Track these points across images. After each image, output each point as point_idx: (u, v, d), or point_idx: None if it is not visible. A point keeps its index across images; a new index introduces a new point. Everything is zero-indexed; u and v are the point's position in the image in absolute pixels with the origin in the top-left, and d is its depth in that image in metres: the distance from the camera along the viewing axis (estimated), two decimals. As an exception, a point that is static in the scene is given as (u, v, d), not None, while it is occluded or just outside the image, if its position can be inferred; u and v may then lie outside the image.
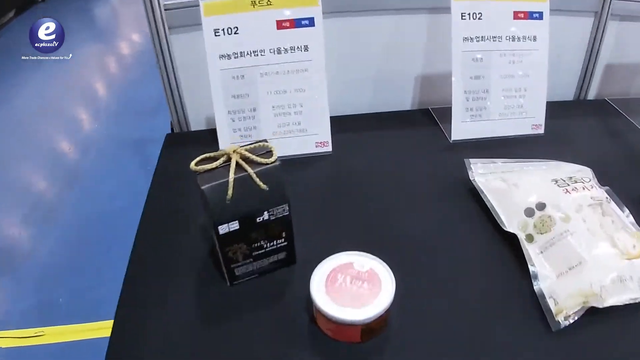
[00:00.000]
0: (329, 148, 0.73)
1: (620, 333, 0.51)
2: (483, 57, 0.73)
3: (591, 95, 0.94)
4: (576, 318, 0.50)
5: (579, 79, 0.91)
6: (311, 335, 0.49)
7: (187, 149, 0.76)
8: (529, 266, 0.55)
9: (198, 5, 0.65)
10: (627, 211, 0.63)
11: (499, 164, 0.69)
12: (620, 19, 0.87)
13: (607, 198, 0.63)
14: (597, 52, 0.88)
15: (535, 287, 0.53)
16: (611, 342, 0.50)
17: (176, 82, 0.78)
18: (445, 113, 0.78)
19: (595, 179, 0.68)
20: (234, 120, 0.70)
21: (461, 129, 0.76)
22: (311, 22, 0.67)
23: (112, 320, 0.51)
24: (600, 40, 0.87)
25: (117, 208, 1.55)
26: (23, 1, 2.94)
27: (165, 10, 0.72)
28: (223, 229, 0.50)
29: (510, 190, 0.63)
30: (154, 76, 0.79)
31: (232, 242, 0.51)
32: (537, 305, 0.52)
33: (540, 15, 0.74)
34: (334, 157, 0.73)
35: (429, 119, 0.84)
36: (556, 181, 0.64)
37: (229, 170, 0.48)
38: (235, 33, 0.66)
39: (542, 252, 0.57)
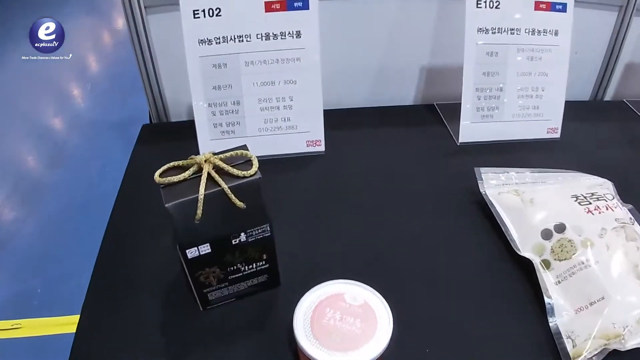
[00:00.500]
0: (322, 147, 0.65)
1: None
2: (499, 51, 0.65)
3: (608, 95, 0.87)
4: None
5: (597, 78, 0.84)
6: None
7: (165, 144, 0.69)
8: (545, 298, 0.48)
9: (176, -19, 0.57)
10: None
11: (513, 174, 0.62)
12: (646, 15, 0.79)
13: (631, 219, 0.56)
14: (619, 50, 0.80)
15: (550, 324, 0.47)
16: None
17: (154, 67, 0.69)
18: (453, 110, 0.70)
19: (617, 195, 0.61)
20: (214, 114, 0.61)
21: (470, 130, 0.68)
22: (305, 4, 0.59)
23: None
24: (624, 37, 0.79)
25: (99, 194, 1.47)
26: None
27: (140, -15, 0.63)
28: (192, 252, 0.42)
29: (526, 207, 0.56)
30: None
31: (203, 267, 0.44)
32: (552, 344, 0.45)
33: (563, 7, 0.66)
34: (327, 158, 0.66)
35: (434, 115, 0.76)
36: (576, 197, 0.57)
37: (199, 184, 0.40)
38: (217, 15, 0.58)
39: (559, 282, 0.50)
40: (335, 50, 0.72)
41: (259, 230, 0.44)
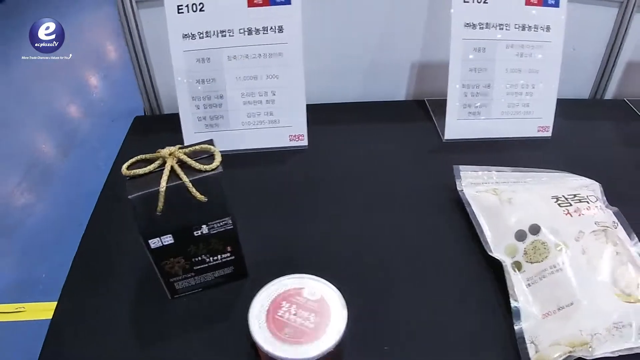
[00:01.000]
0: (305, 142, 0.66)
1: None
2: (487, 47, 0.64)
3: (609, 94, 0.84)
4: None
5: (597, 76, 0.81)
6: None
7: (155, 136, 0.70)
8: (511, 301, 0.47)
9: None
10: (635, 239, 0.54)
11: (494, 172, 0.61)
12: (649, 10, 0.76)
13: (614, 222, 0.55)
14: (619, 48, 0.78)
15: (515, 327, 0.46)
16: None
17: (145, 61, 0.71)
18: (442, 106, 0.69)
19: (604, 197, 0.60)
20: (198, 108, 0.62)
21: (456, 127, 0.67)
22: (288, -1, 0.59)
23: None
24: (624, 35, 0.76)
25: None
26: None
27: (131, -20, 0.64)
28: (155, 243, 0.43)
29: (503, 206, 0.55)
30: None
31: (168, 257, 0.45)
32: (516, 348, 0.44)
33: (556, 2, 0.64)
34: (309, 152, 0.66)
35: (423, 111, 0.75)
36: (557, 199, 0.55)
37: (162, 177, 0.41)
38: (200, 10, 0.58)
39: (529, 285, 0.49)
40: (325, 45, 0.72)
41: (221, 223, 0.45)
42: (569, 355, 0.43)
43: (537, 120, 0.69)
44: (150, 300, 0.48)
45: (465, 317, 0.48)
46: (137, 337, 0.46)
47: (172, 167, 0.42)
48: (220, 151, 0.44)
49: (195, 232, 0.44)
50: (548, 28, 0.65)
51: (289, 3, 0.59)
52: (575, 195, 0.57)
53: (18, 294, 1.25)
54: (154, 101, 0.75)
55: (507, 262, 0.51)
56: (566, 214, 0.54)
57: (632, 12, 0.74)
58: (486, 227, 0.54)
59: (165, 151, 0.43)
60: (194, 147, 0.45)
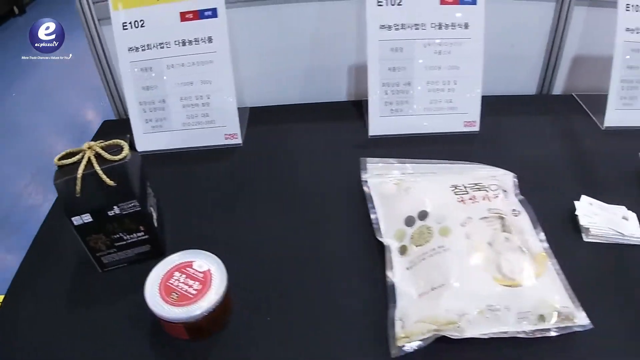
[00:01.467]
0: (239, 140, 0.72)
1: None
2: (404, 46, 0.68)
3: (558, 89, 0.84)
4: (422, 346, 0.45)
5: (542, 72, 0.82)
6: (155, 329, 0.49)
7: (116, 137, 0.79)
8: (387, 280, 0.51)
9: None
10: (539, 227, 0.56)
11: (407, 165, 0.64)
12: (589, 4, 0.76)
13: (514, 210, 0.56)
14: (561, 42, 0.78)
15: (390, 306, 0.49)
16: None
17: (110, 71, 0.81)
18: (373, 106, 0.73)
19: (517, 187, 0.61)
20: (145, 112, 0.71)
21: (379, 124, 0.71)
22: (214, 12, 0.66)
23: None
24: (564, 29, 0.77)
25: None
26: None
27: (94, 3, 0.74)
28: (77, 220, 0.52)
29: (399, 195, 0.59)
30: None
31: (90, 233, 0.53)
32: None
33: (473, 0, 0.67)
34: (243, 150, 0.72)
35: (357, 111, 0.79)
36: (456, 187, 0.58)
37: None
38: (141, 26, 0.67)
39: (410, 268, 0.52)
40: (263, 52, 0.79)
41: (130, 205, 0.53)
42: (435, 334, 0.45)
43: (462, 116, 0.72)
44: (83, 273, 0.56)
45: (348, 296, 0.51)
46: (67, 302, 0.53)
47: (89, 158, 0.51)
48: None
49: (109, 212, 0.52)
50: (466, 25, 0.68)
51: (216, 16, 0.67)
52: (476, 184, 0.59)
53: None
54: (120, 106, 0.85)
55: (393, 246, 0.55)
56: (460, 201, 0.56)
57: (569, 5, 0.75)
58: (381, 214, 0.58)
59: (85, 145, 0.52)
60: (109, 142, 0.53)
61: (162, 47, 0.68)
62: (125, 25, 0.67)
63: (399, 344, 0.45)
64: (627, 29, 0.72)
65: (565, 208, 0.60)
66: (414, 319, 0.47)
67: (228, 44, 0.67)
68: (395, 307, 0.49)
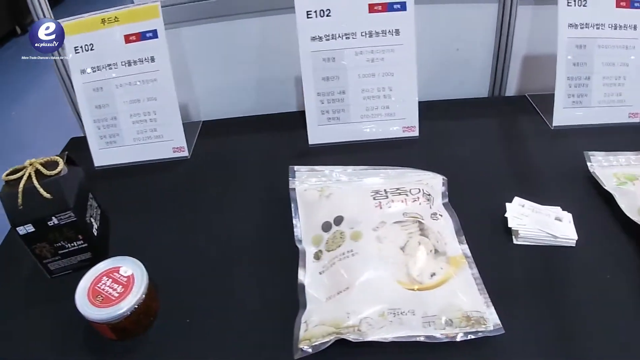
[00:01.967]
0: (186, 153, 0.76)
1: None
2: (335, 56, 0.69)
3: (511, 91, 0.83)
4: (320, 348, 0.45)
5: (492, 74, 0.81)
6: (91, 330, 0.52)
7: (81, 153, 0.84)
8: (298, 284, 0.52)
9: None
10: (461, 231, 0.56)
11: (334, 172, 0.64)
12: (534, 3, 0.75)
13: (435, 214, 0.56)
14: (507, 43, 0.77)
15: (300, 310, 0.50)
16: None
17: (73, 88, 0.86)
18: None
19: (445, 190, 0.61)
20: (99, 128, 0.76)
21: (318, 133, 0.73)
22: (154, 34, 0.70)
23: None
24: (508, 29, 0.76)
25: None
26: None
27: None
28: (21, 230, 0.56)
29: (320, 201, 0.60)
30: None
31: (34, 242, 0.57)
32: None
33: (402, 6, 0.68)
34: (190, 162, 0.76)
35: (300, 120, 0.80)
36: (376, 193, 0.59)
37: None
38: (91, 49, 0.72)
39: (322, 272, 0.53)
40: (214, 67, 0.82)
41: (66, 216, 0.57)
42: (335, 336, 0.45)
43: (401, 121, 0.72)
44: (35, 278, 0.60)
45: (266, 301, 0.53)
46: (20, 306, 0.57)
47: (29, 173, 0.56)
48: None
49: (49, 222, 0.56)
50: (397, 32, 0.69)
51: (157, 37, 0.71)
52: (398, 189, 0.59)
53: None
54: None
55: (310, 251, 0.55)
56: (376, 206, 0.57)
57: (511, 5, 0.74)
58: (302, 221, 0.59)
59: (27, 162, 0.57)
60: (49, 159, 0.58)
61: (110, 68, 0.73)
62: (77, 49, 0.73)
63: (300, 346, 0.46)
64: (570, 25, 0.71)
65: (500, 210, 0.59)
66: (316, 322, 0.48)
67: (169, 62, 0.71)
68: (304, 310, 0.50)
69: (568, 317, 0.49)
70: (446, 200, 0.60)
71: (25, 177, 0.55)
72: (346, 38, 0.69)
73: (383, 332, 0.46)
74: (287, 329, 0.48)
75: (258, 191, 0.68)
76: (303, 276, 0.53)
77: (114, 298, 0.50)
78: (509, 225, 0.57)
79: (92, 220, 0.63)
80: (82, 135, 0.91)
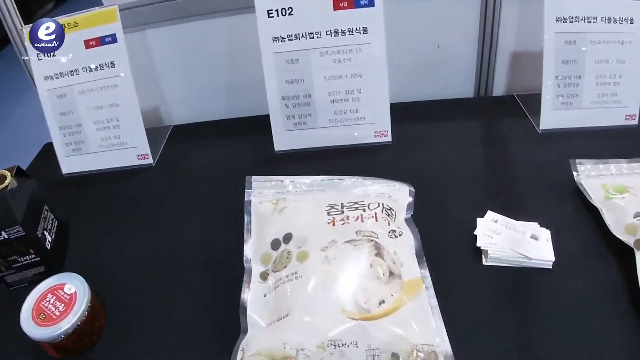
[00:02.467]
0: (150, 160, 0.73)
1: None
2: (299, 57, 0.65)
3: (499, 90, 0.76)
4: None
5: (477, 72, 0.74)
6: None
7: (56, 159, 0.83)
8: (240, 307, 0.48)
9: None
10: (422, 251, 0.50)
11: (292, 182, 0.59)
12: (520, -1, 0.68)
13: (393, 232, 0.51)
14: (492, 39, 0.71)
15: (240, 336, 0.46)
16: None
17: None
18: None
19: (411, 203, 0.56)
20: (65, 135, 0.74)
21: (284, 138, 0.69)
22: (113, 38, 0.68)
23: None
24: (492, 25, 0.70)
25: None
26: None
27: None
28: (-29, 245, 0.55)
29: (273, 216, 0.55)
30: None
31: (-13, 256, 0.56)
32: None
33: (370, 2, 0.63)
34: (155, 170, 0.73)
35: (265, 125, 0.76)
36: (332, 207, 0.54)
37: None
38: (53, 55, 0.71)
39: (266, 295, 0.48)
40: (183, 70, 0.79)
41: (14, 230, 0.55)
42: None
43: (372, 126, 0.67)
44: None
45: (211, 321, 0.50)
46: None
47: None
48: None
49: None
50: (365, 30, 0.64)
51: (116, 41, 0.68)
52: (356, 203, 0.55)
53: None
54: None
55: (257, 271, 0.51)
56: (329, 223, 0.52)
57: (494, 1, 0.68)
58: (253, 237, 0.55)
59: None
60: (-3, 172, 0.56)
61: (72, 75, 0.71)
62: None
63: (236, 377, 0.43)
64: (558, 19, 0.64)
65: (472, 225, 0.54)
66: (252, 350, 0.44)
67: (129, 67, 0.69)
68: (245, 336, 0.46)
69: (538, 353, 0.43)
70: (410, 214, 0.55)
71: (-30, 193, 0.54)
72: (310, 38, 0.64)
73: (315, 363, 0.42)
74: (227, 355, 0.45)
75: (219, 202, 0.65)
76: (246, 298, 0.49)
77: (55, 317, 0.48)
78: (478, 244, 0.52)
79: (46, 232, 0.61)
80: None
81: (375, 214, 0.52)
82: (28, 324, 0.48)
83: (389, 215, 0.53)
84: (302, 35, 0.64)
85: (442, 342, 0.43)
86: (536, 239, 0.52)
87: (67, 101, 0.72)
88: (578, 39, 0.64)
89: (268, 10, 0.64)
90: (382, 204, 0.54)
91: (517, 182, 0.61)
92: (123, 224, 0.65)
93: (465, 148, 0.67)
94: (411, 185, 0.58)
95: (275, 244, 0.52)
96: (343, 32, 0.64)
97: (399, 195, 0.57)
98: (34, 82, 0.81)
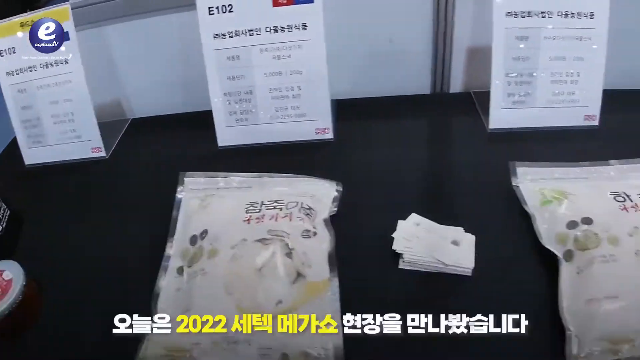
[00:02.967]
0: (103, 153, 0.75)
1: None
2: (240, 54, 0.65)
3: (456, 87, 0.73)
4: None
5: (432, 67, 0.71)
6: None
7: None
8: (152, 300, 0.49)
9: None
10: (333, 253, 0.49)
11: (224, 179, 0.60)
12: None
13: (307, 232, 0.51)
14: (446, 33, 0.68)
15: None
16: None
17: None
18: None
19: (336, 202, 0.55)
20: (26, 128, 0.77)
21: (226, 134, 0.69)
22: (67, 36, 0.69)
23: None
24: (446, 17, 0.67)
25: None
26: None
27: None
28: None
29: (198, 212, 0.56)
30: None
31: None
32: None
33: (309, -2, 0.61)
34: (108, 163, 0.75)
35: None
36: (252, 205, 0.54)
37: None
38: (13, 52, 0.73)
39: (179, 289, 0.49)
40: (140, 65, 0.80)
41: None
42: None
43: (313, 123, 0.66)
44: None
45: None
46: None
47: None
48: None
49: None
50: (304, 26, 0.62)
51: (68, 39, 0.70)
52: (275, 202, 0.54)
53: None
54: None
55: (176, 265, 0.52)
56: (245, 221, 0.52)
57: (446, -7, 0.65)
58: (179, 231, 0.55)
59: None
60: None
61: (31, 71, 0.73)
62: (2, 53, 0.74)
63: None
64: (509, 13, 0.61)
65: (396, 228, 0.52)
66: (155, 340, 0.45)
67: (81, 64, 0.70)
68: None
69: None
70: (334, 213, 0.54)
71: None
72: (250, 34, 0.64)
73: (215, 360, 0.42)
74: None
75: (162, 196, 0.65)
76: (158, 292, 0.50)
77: None
78: (393, 247, 0.50)
79: (-8, 224, 0.63)
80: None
81: (291, 213, 0.52)
82: None
83: (307, 214, 0.53)
84: (242, 32, 0.64)
85: (334, 348, 0.42)
86: (457, 244, 0.50)
87: (27, 96, 0.75)
88: (531, 35, 0.61)
89: (209, 7, 0.64)
90: (301, 203, 0.53)
91: (454, 184, 0.59)
92: (72, 215, 0.66)
93: (409, 147, 0.65)
94: (341, 184, 0.58)
95: (193, 240, 0.53)
96: (282, 28, 0.63)
97: (323, 194, 0.56)
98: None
